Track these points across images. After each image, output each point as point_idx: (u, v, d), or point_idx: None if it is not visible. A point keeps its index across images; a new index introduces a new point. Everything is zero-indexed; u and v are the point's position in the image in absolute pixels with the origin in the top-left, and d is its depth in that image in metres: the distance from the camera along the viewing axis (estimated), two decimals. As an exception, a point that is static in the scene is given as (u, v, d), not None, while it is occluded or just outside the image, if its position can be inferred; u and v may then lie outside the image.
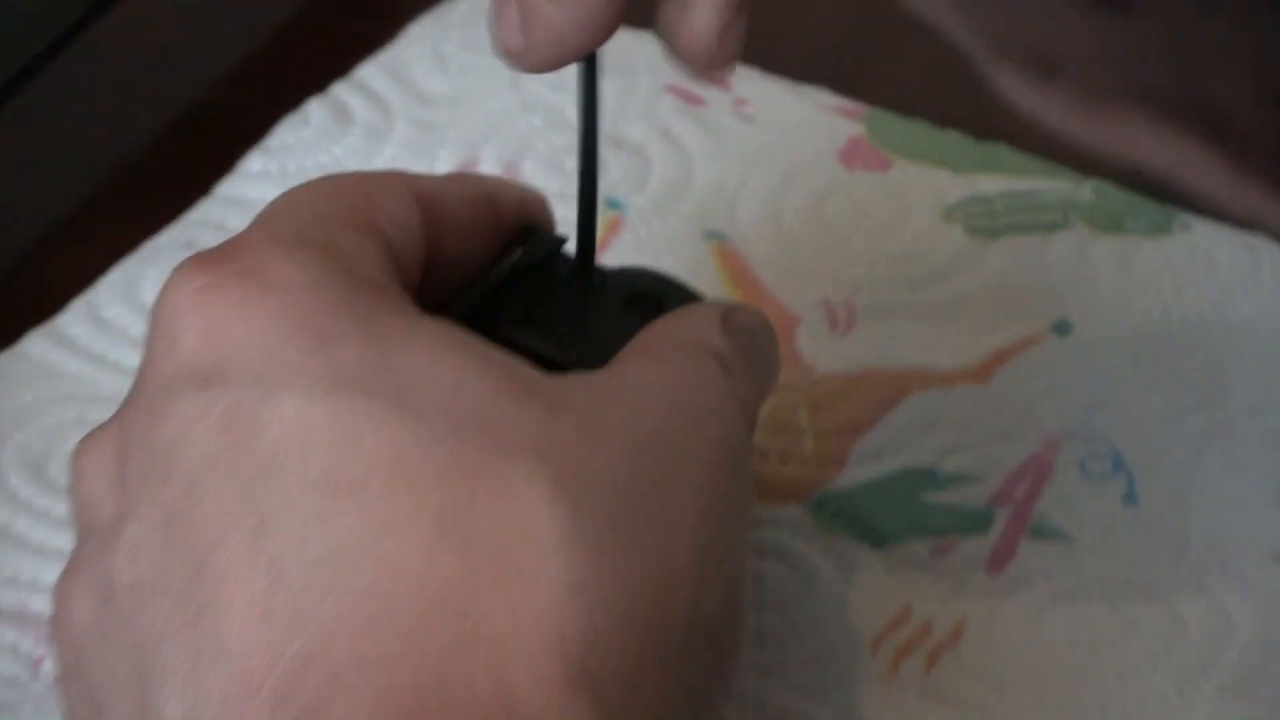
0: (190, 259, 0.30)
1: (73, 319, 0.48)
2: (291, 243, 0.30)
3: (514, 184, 0.37)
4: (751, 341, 0.34)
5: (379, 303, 0.29)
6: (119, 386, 0.43)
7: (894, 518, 0.43)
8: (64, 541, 0.42)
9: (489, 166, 0.52)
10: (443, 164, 0.52)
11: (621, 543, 0.28)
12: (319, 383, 0.27)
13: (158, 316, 0.29)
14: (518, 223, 0.36)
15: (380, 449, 0.27)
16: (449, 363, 0.28)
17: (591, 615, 0.27)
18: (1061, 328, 0.47)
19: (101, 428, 0.30)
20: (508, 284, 0.35)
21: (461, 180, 0.35)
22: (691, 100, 0.54)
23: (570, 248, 0.37)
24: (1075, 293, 0.48)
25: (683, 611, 0.28)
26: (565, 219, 0.38)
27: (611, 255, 0.49)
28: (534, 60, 0.32)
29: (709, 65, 0.32)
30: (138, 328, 0.47)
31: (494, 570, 0.26)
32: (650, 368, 0.32)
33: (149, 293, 0.48)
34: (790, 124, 0.53)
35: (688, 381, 0.31)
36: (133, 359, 0.45)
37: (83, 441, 0.31)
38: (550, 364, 0.33)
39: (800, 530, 0.43)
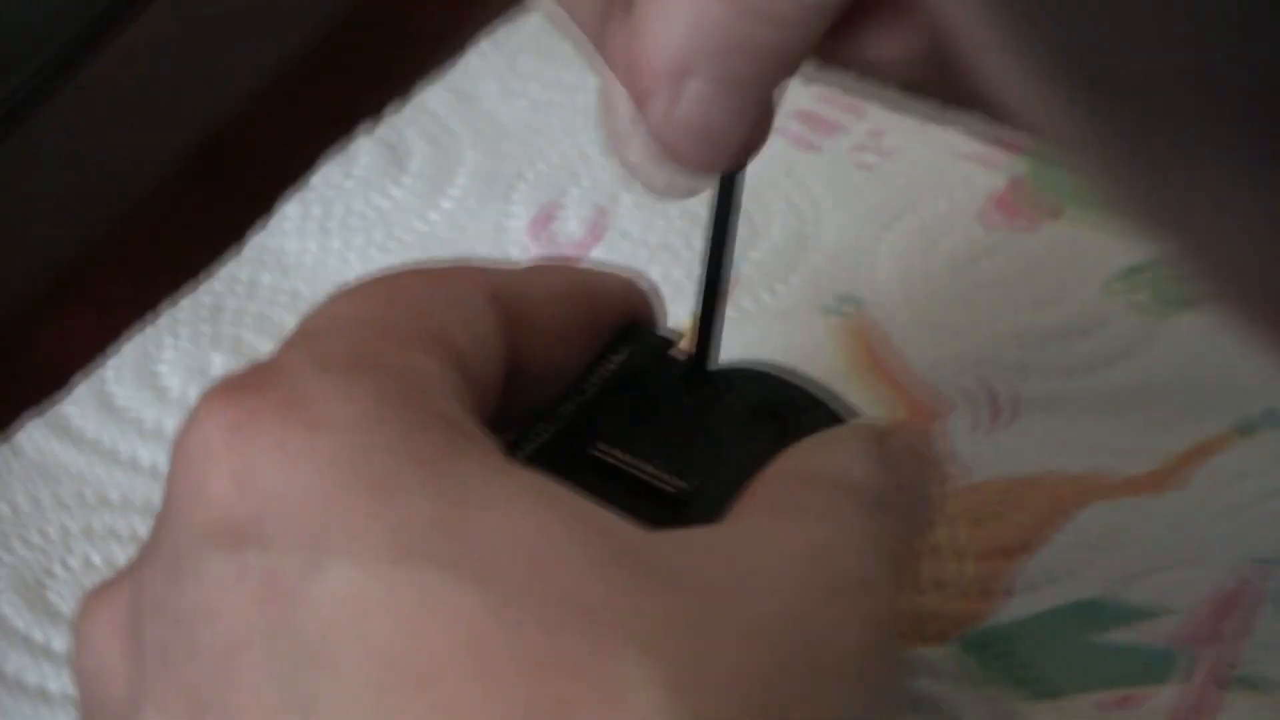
0: (220, 386, 0.28)
1: (76, 404, 0.46)
2: (343, 366, 0.28)
3: (614, 274, 0.35)
4: (911, 477, 0.33)
5: (452, 445, 0.28)
6: (131, 489, 0.41)
7: (1064, 662, 0.40)
8: (68, 683, 0.40)
9: (576, 212, 0.50)
10: (518, 209, 0.50)
11: None
12: (379, 548, 0.26)
13: (181, 455, 0.28)
14: (619, 320, 0.35)
15: (454, 635, 0.26)
16: (536, 524, 0.27)
17: None
18: (1271, 419, 0.44)
19: (112, 584, 0.29)
20: (607, 396, 0.34)
21: (550, 273, 0.34)
22: (808, 144, 0.51)
23: (682, 344, 0.35)
24: (1283, 378, 0.45)
25: None
26: (670, 281, 0.36)
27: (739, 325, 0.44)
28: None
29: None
30: (153, 415, 0.46)
31: None
32: (783, 522, 0.30)
33: (168, 375, 0.47)
34: (928, 170, 0.51)
35: (833, 541, 0.30)
36: (147, 453, 0.44)
37: (89, 598, 0.29)
38: (658, 497, 0.32)
39: (953, 677, 0.40)
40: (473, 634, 0.26)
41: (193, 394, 0.44)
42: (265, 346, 0.45)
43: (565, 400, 0.33)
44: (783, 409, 0.34)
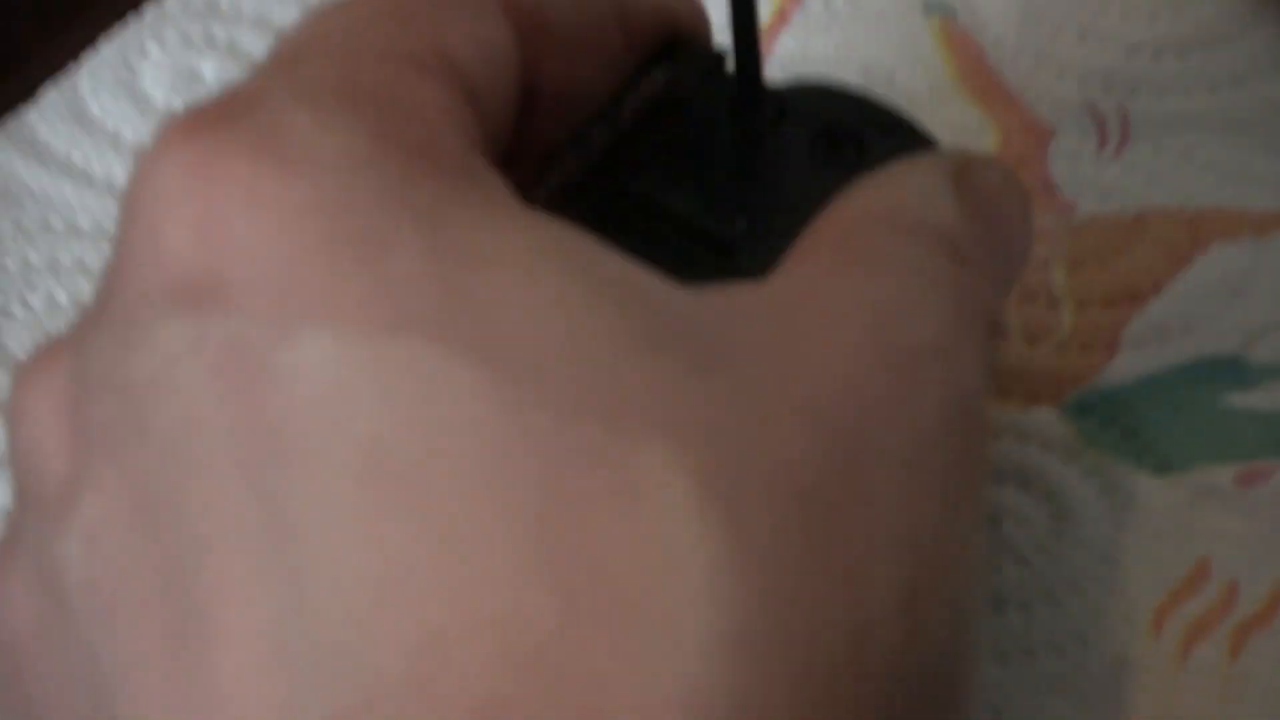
0: (180, 120, 0.25)
1: (44, 115, 0.42)
2: (326, 96, 0.26)
3: None
4: (996, 213, 0.30)
5: (455, 190, 0.25)
6: (104, 214, 0.39)
7: (1185, 430, 0.37)
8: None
9: None
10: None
11: (801, 571, 0.24)
12: (362, 316, 0.24)
13: (134, 200, 0.26)
14: (658, 36, 0.32)
15: (451, 421, 0.23)
16: (552, 288, 0.24)
17: (754, 688, 0.23)
18: None
19: (52, 350, 0.27)
20: (644, 124, 0.31)
21: None
22: None
23: (731, 63, 0.32)
24: None
25: (886, 664, 0.24)
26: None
27: (791, 39, 0.42)
28: None
29: None
30: (133, 129, 0.42)
31: (612, 617, 0.23)
32: (846, 277, 0.27)
33: (151, 83, 0.43)
34: None
35: (906, 300, 0.27)
36: (125, 174, 0.39)
37: (26, 368, 0.27)
38: (704, 241, 0.29)
39: (1053, 446, 0.36)
40: (473, 420, 0.23)
41: (180, 107, 0.39)
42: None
43: (593, 128, 0.30)
44: (850, 136, 0.32)
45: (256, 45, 0.42)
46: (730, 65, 0.32)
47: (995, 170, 0.30)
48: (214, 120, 0.26)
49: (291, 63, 0.27)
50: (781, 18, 0.43)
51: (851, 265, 0.27)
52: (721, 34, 0.32)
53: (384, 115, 0.26)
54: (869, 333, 0.26)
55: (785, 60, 0.41)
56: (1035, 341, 0.37)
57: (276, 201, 0.25)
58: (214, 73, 0.42)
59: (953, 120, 0.40)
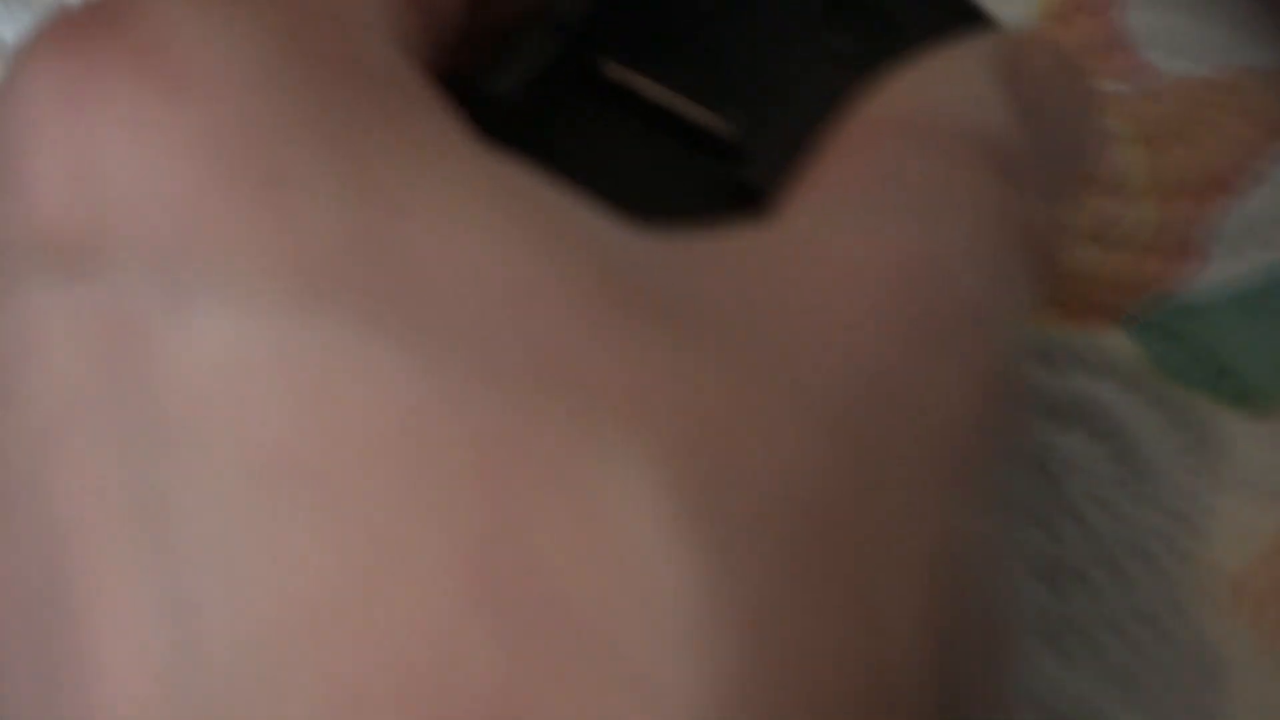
0: (51, 29, 0.24)
1: None
2: None
3: None
4: (1054, 112, 0.27)
5: (378, 111, 0.23)
6: None
7: (1275, 356, 0.33)
8: None
9: None
10: None
11: (803, 608, 0.22)
12: (267, 281, 0.22)
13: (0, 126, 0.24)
14: None
15: (372, 416, 0.21)
16: (495, 245, 0.22)
17: None
18: None
19: None
20: None
21: None
22: None
23: None
24: None
25: (910, 712, 0.22)
26: None
27: None
28: None
29: None
30: None
31: (570, 671, 0.21)
32: (867, 211, 0.24)
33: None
34: None
35: (941, 241, 0.24)
36: None
37: None
38: (696, 140, 0.27)
39: (1118, 373, 0.33)
40: (398, 413, 0.21)
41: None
42: None
43: (561, 3, 0.28)
44: (877, 5, 0.29)
45: None
46: None
47: (1050, 55, 0.28)
48: (88, 29, 0.23)
49: None
50: None
51: (873, 197, 0.25)
52: None
53: (297, 18, 0.24)
54: (892, 294, 0.23)
55: None
56: (1101, 241, 0.33)
57: (162, 132, 0.23)
58: None
59: None
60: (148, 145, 0.23)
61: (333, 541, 0.21)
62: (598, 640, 0.21)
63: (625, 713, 0.21)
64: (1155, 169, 0.33)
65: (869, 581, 0.22)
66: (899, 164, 0.26)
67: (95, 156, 0.23)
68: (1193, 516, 0.31)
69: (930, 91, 0.27)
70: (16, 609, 0.23)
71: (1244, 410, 0.32)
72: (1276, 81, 0.34)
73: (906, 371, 0.23)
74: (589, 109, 0.28)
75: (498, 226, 0.23)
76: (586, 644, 0.21)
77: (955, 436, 0.24)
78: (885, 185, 0.25)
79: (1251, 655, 0.30)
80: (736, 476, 0.22)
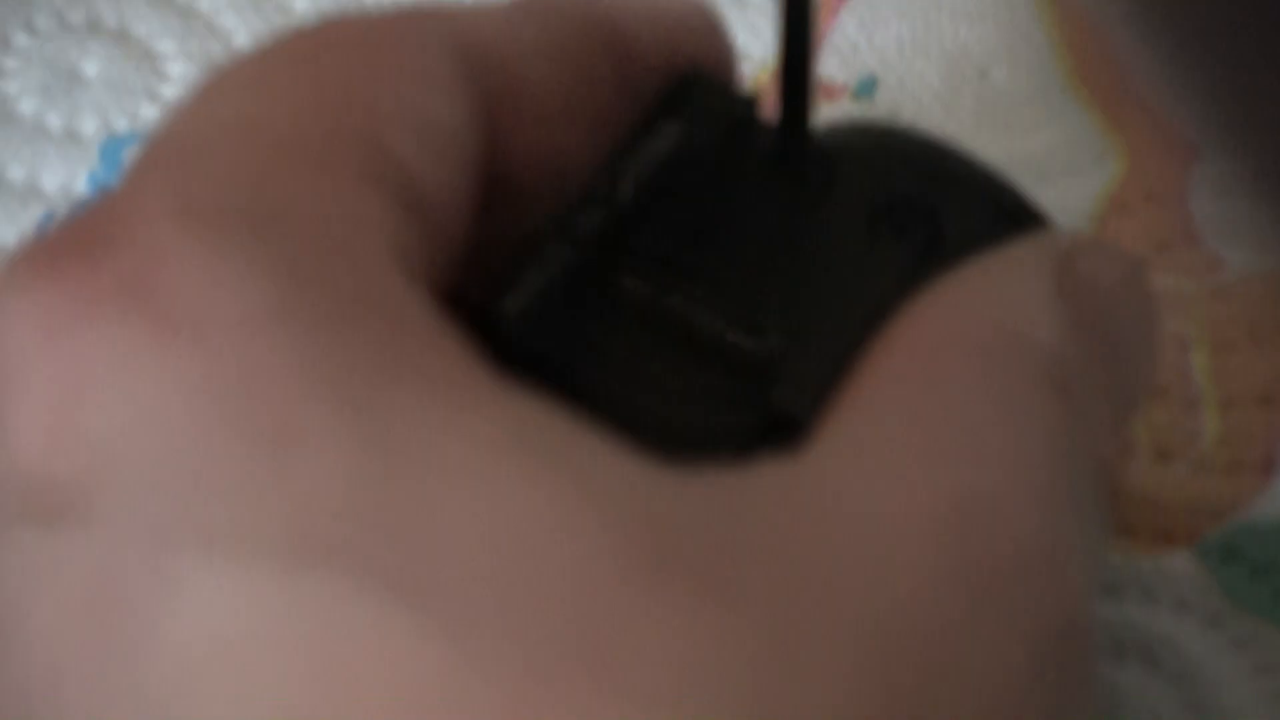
0: (33, 252, 0.23)
1: None
2: (219, 217, 0.23)
3: (655, 2, 0.29)
4: (1114, 322, 0.26)
5: (390, 352, 0.22)
6: None
7: None
8: None
9: None
10: None
11: None
12: (267, 541, 0.21)
13: None
14: (664, 76, 0.28)
15: (385, 684, 0.20)
16: (514, 499, 0.21)
17: None
18: None
19: None
20: (647, 199, 0.27)
21: (551, 13, 0.27)
22: None
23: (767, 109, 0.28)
24: None
25: None
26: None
27: (852, 21, 0.36)
28: None
29: None
30: None
31: None
32: (915, 439, 0.23)
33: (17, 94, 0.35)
34: None
35: (998, 478, 0.23)
36: None
37: None
38: (729, 361, 0.26)
39: (1188, 606, 0.31)
40: (416, 686, 0.20)
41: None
42: (166, 45, 0.35)
43: (581, 209, 0.26)
44: (922, 211, 0.27)
45: (161, 37, 0.35)
46: (764, 111, 0.28)
47: (1110, 260, 0.27)
48: (71, 257, 0.22)
49: (171, 167, 0.24)
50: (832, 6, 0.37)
51: (918, 423, 0.24)
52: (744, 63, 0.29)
53: (299, 246, 0.23)
54: (939, 542, 0.22)
55: (842, 50, 0.35)
56: (1166, 457, 0.31)
57: (152, 376, 0.22)
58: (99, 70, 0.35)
59: (1065, 134, 0.35)
60: (136, 390, 0.22)
61: None
62: None
63: None
64: (1222, 376, 0.31)
65: None
66: (946, 384, 0.24)
67: (80, 401, 0.22)
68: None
69: (979, 302, 0.25)
70: None
71: (1325, 645, 0.29)
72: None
73: (953, 630, 0.22)
74: (609, 327, 0.26)
75: (519, 480, 0.22)
76: None
77: (1008, 701, 0.22)
78: (931, 409, 0.24)
79: None
80: None
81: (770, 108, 0.28)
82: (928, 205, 0.27)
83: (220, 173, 0.24)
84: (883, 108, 0.34)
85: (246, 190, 0.23)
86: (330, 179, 0.24)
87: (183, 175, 0.24)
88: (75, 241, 0.23)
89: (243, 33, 0.35)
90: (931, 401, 0.24)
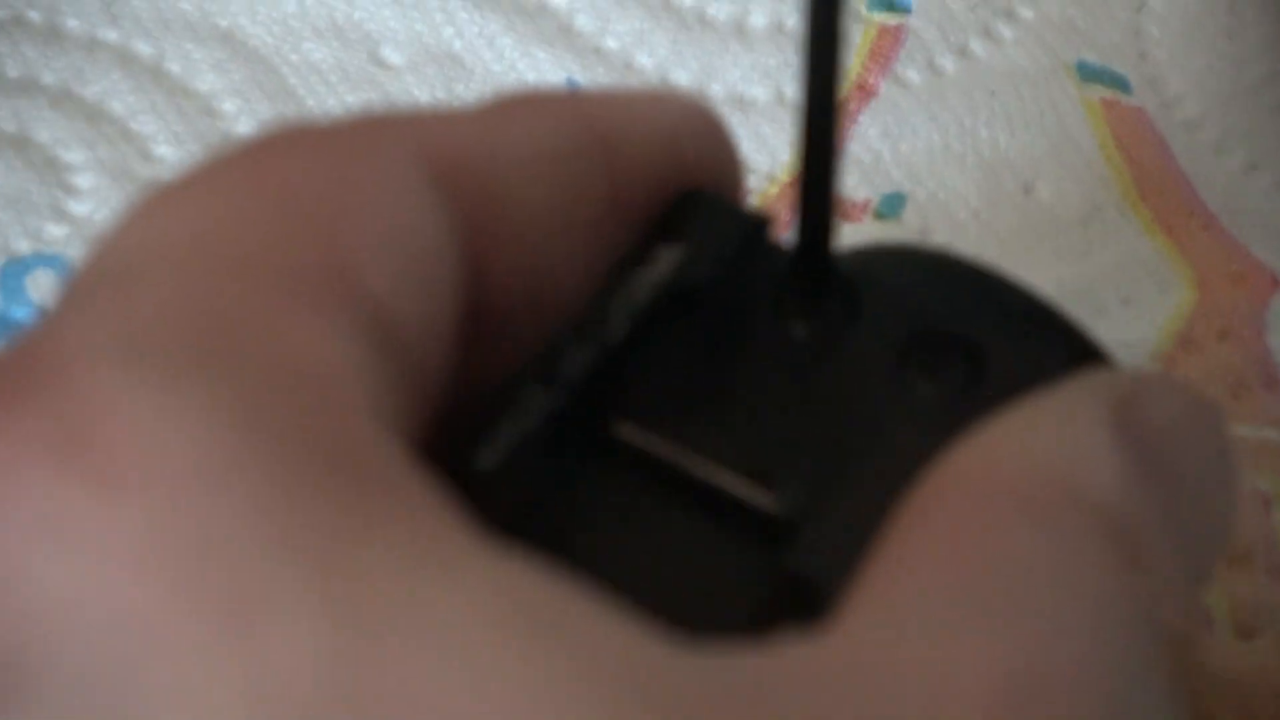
0: None
1: None
2: (165, 354, 0.21)
3: (653, 100, 0.28)
4: (1186, 468, 0.25)
5: (360, 508, 0.21)
6: None
7: None
8: None
9: (587, 23, 0.38)
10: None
11: None
12: None
13: None
14: (661, 186, 0.27)
15: None
16: (506, 679, 0.20)
17: None
18: None
19: None
20: (643, 334, 0.26)
21: (531, 113, 0.26)
22: None
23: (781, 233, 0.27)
24: None
25: None
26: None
27: (872, 123, 0.35)
28: None
29: None
30: None
31: None
32: (956, 611, 0.22)
33: None
34: None
35: (1049, 657, 0.22)
36: None
37: None
38: (740, 522, 0.24)
39: None
40: None
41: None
42: (74, 155, 0.33)
43: (567, 346, 0.25)
44: (959, 345, 0.26)
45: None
46: (779, 232, 0.27)
47: (1180, 400, 0.25)
48: (6, 403, 0.21)
49: (110, 295, 0.22)
50: (863, 91, 0.35)
51: (958, 589, 0.22)
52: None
53: (259, 388, 0.22)
54: (994, 719, 0.21)
55: (863, 162, 0.34)
56: (1250, 634, 0.30)
57: (93, 537, 0.20)
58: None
59: (1122, 260, 0.34)
60: (75, 553, 0.20)
61: None
62: None
63: None
64: (1314, 541, 0.29)
65: None
66: (991, 544, 0.22)
67: (12, 570, 0.20)
68: None
69: (1027, 450, 0.24)
70: None
71: None
72: None
73: None
74: (600, 482, 0.25)
75: (511, 657, 0.20)
76: None
77: None
78: (974, 573, 0.22)
79: None
80: None
81: (782, 228, 0.27)
82: (966, 339, 0.26)
83: (166, 301, 0.22)
84: (911, 228, 0.32)
85: (198, 322, 0.22)
86: (294, 311, 0.22)
87: (124, 304, 0.22)
88: (4, 386, 0.22)
89: (163, 139, 0.33)
90: (974, 564, 0.22)
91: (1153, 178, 0.36)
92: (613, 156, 0.26)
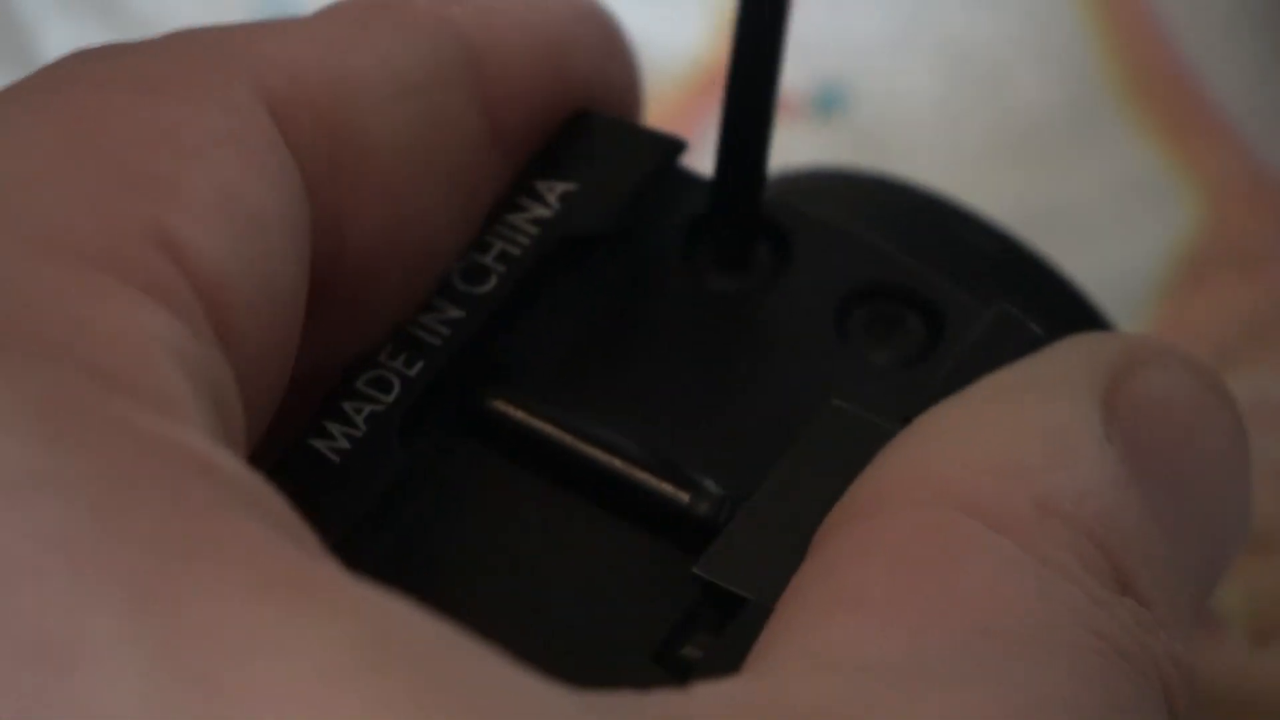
0: None
1: None
2: None
3: (527, 4, 0.25)
4: (1186, 459, 0.23)
5: (189, 531, 0.19)
6: None
7: None
8: None
9: None
10: None
11: None
12: None
13: None
14: (552, 111, 0.25)
15: None
16: None
17: None
18: None
19: None
20: (526, 290, 0.24)
21: (387, 27, 0.24)
22: None
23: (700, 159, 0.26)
24: None
25: None
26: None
27: (817, 6, 0.32)
28: None
29: None
30: None
31: None
32: (905, 654, 0.20)
33: None
34: None
35: (1016, 695, 0.20)
36: None
37: None
38: (641, 517, 0.22)
39: None
40: None
41: None
42: None
43: (427, 310, 0.24)
44: (914, 303, 0.24)
45: None
46: (696, 160, 0.25)
47: (1179, 374, 0.23)
48: None
49: None
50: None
51: (908, 633, 0.20)
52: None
53: (58, 382, 0.20)
54: None
55: (795, 46, 0.30)
56: (1268, 638, 0.28)
57: None
58: None
59: (1115, 170, 0.32)
60: None
61: None
62: None
63: None
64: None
65: None
66: (941, 571, 0.21)
67: None
68: None
69: (993, 443, 0.22)
70: None
71: None
72: None
73: None
74: (470, 470, 0.23)
75: (376, 707, 0.18)
76: None
77: None
78: (919, 611, 0.20)
79: None
80: None
81: (691, 131, 0.25)
82: (920, 294, 0.24)
83: None
84: (856, 129, 0.30)
85: None
86: (102, 290, 0.20)
87: None
88: None
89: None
90: (920, 600, 0.21)
91: (1152, 69, 0.34)
92: (485, 75, 0.24)
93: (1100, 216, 0.30)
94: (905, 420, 0.22)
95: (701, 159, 0.25)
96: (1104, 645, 0.21)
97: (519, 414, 0.23)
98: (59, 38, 0.33)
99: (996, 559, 0.21)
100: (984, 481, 0.21)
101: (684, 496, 0.23)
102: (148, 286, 0.21)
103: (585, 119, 0.25)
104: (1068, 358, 0.23)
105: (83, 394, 0.20)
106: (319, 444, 0.23)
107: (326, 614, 0.19)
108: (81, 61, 0.23)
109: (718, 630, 0.21)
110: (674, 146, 0.25)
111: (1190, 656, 0.22)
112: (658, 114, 0.29)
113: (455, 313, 0.24)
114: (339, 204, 0.23)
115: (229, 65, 0.23)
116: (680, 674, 0.21)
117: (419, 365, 0.24)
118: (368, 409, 0.23)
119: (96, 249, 0.21)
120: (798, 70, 0.34)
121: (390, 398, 0.23)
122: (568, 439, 0.23)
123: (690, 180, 0.25)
